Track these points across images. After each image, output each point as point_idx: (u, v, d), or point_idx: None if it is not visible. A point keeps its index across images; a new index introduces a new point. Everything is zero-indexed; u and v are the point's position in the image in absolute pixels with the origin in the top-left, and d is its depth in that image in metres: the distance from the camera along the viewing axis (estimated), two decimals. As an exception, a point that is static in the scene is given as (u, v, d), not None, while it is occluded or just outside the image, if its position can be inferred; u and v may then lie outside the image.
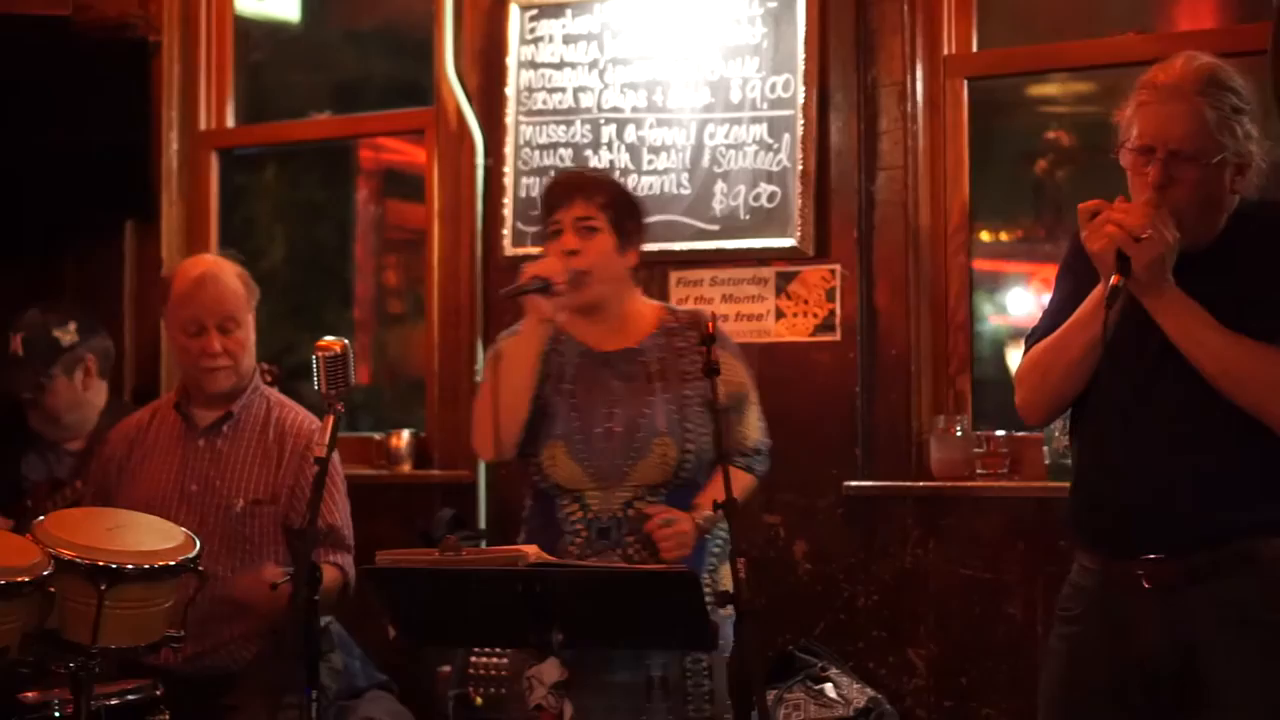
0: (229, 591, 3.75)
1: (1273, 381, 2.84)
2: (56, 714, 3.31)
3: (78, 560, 3.16)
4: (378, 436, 5.21)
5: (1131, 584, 2.92)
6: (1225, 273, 2.91)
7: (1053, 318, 3.09)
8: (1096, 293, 2.92)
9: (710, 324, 3.15)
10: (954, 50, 4.59)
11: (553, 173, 4.85)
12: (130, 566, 3.21)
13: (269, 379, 4.17)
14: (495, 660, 4.37)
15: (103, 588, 3.14)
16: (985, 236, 4.83)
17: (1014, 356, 4.57)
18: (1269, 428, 2.85)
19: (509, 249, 4.92)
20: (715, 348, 3.14)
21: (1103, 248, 2.85)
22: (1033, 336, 3.13)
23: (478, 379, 5.01)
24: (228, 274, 4.02)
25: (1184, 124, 2.86)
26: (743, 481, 3.45)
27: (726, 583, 3.37)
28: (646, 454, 3.34)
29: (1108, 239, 2.84)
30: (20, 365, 4.52)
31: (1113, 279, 2.83)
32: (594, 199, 3.40)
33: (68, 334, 4.57)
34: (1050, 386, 3.03)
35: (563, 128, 4.88)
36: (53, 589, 3.13)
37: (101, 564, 3.17)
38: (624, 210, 3.44)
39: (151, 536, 3.39)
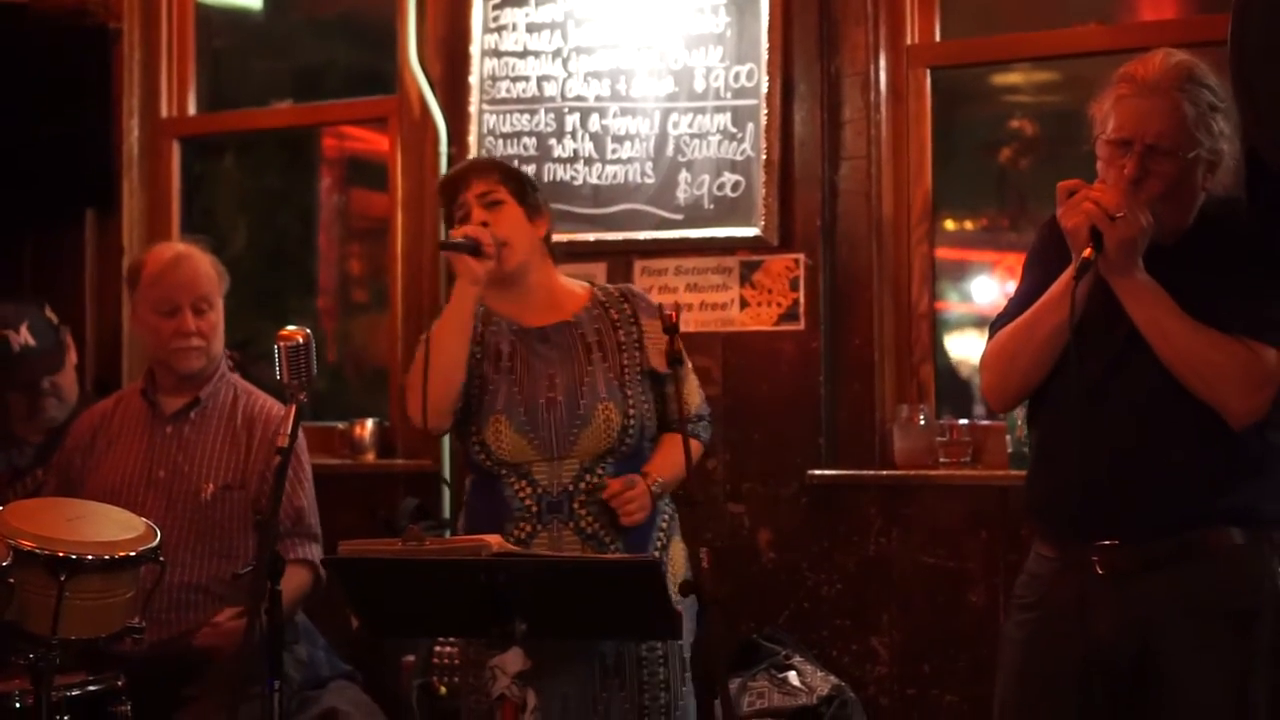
0: (198, 578, 3.77)
1: (1231, 372, 2.87)
2: (17, 705, 3.28)
3: (37, 551, 3.14)
4: (341, 426, 5.20)
5: (1086, 570, 2.94)
6: (1192, 267, 2.93)
7: (1019, 305, 3.10)
8: (1065, 275, 2.94)
9: (674, 313, 3.13)
10: (917, 40, 4.60)
11: (516, 162, 4.83)
12: (90, 557, 3.19)
13: (231, 364, 4.16)
14: (459, 650, 4.36)
15: (63, 578, 3.13)
16: (949, 225, 4.84)
17: (978, 345, 4.59)
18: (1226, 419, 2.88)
19: (472, 238, 4.90)
20: (674, 335, 3.11)
21: (1077, 224, 2.87)
22: (998, 322, 3.14)
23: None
24: (200, 257, 4.05)
25: (1163, 119, 2.88)
26: (693, 449, 3.44)
27: (678, 563, 3.40)
28: (590, 421, 3.34)
29: (1084, 215, 2.86)
30: (35, 353, 4.45)
31: (1084, 252, 2.85)
32: (489, 175, 3.46)
33: (53, 315, 4.56)
34: (1017, 370, 3.05)
35: (526, 116, 4.87)
36: (12, 580, 3.11)
37: (61, 555, 3.15)
38: (521, 182, 3.49)
39: (112, 527, 3.37)
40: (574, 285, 3.56)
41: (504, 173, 3.49)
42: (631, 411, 3.39)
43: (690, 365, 3.55)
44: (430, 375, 3.35)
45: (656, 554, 3.37)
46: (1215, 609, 2.89)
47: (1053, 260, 3.04)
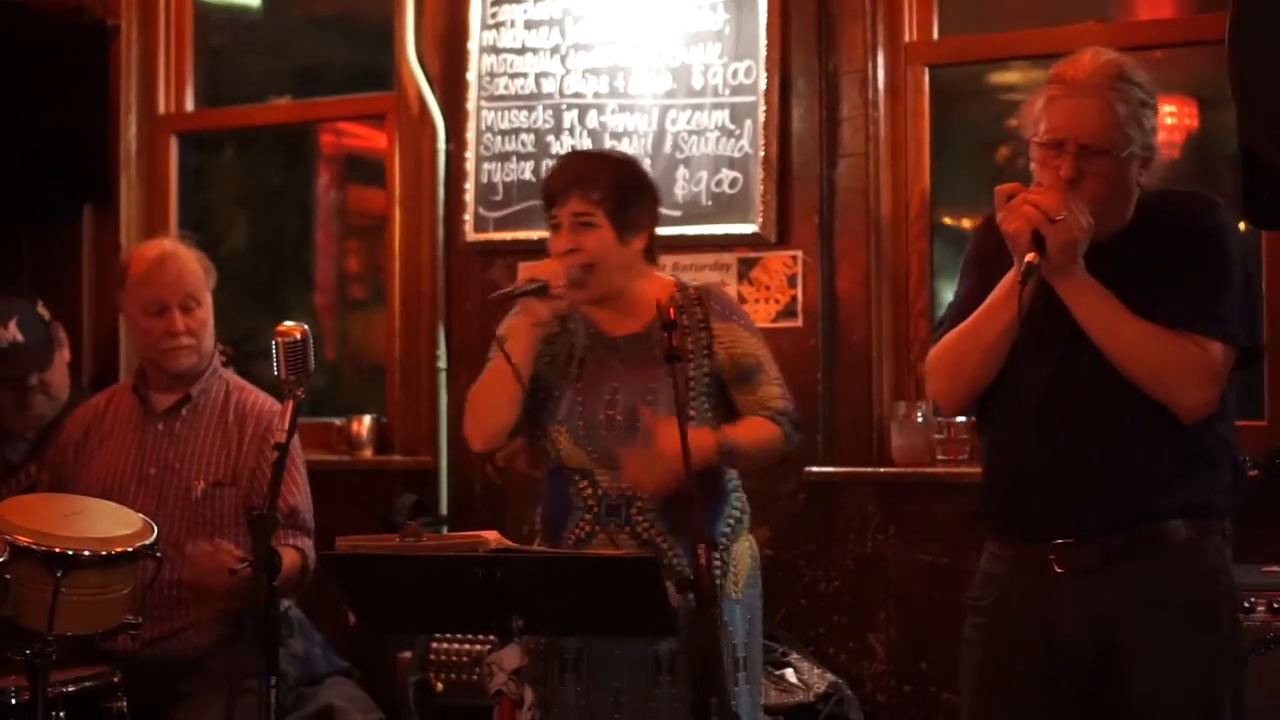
0: (185, 574, 3.75)
1: (1178, 368, 2.89)
2: (13, 701, 3.28)
3: (33, 547, 3.15)
4: (339, 422, 5.20)
5: (1043, 568, 2.95)
6: (1131, 262, 2.94)
7: (960, 309, 3.11)
8: (1008, 278, 2.95)
9: (671, 309, 3.10)
10: (915, 38, 4.60)
11: (515, 159, 4.85)
12: (87, 553, 3.19)
13: (224, 359, 4.15)
14: (456, 646, 4.37)
15: (59, 574, 3.13)
16: (946, 223, 4.85)
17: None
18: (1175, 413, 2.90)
19: (470, 235, 4.91)
20: (676, 334, 3.08)
21: (1018, 228, 2.87)
22: (941, 327, 3.15)
23: (439, 365, 5.01)
24: (186, 254, 4.02)
25: (1096, 118, 2.89)
26: (766, 430, 3.33)
27: (741, 562, 3.35)
28: (649, 441, 3.26)
29: (1024, 219, 2.86)
30: (24, 349, 4.45)
31: (1028, 257, 2.85)
32: (591, 194, 3.28)
33: (45, 310, 4.55)
34: (964, 374, 3.05)
35: (524, 113, 4.87)
36: (8, 576, 3.12)
37: (58, 550, 3.16)
38: (626, 198, 3.33)
39: (108, 523, 3.38)
40: (655, 285, 3.42)
41: (607, 188, 3.30)
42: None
43: (772, 368, 3.39)
44: (485, 409, 3.34)
45: (719, 552, 3.31)
46: (1174, 602, 2.91)
47: (991, 262, 3.05)
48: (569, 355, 3.40)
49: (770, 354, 3.41)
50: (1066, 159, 2.89)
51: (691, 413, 3.25)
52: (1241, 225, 3.29)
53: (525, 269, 3.34)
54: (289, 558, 3.79)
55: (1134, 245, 2.96)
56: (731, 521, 3.41)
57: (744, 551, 3.40)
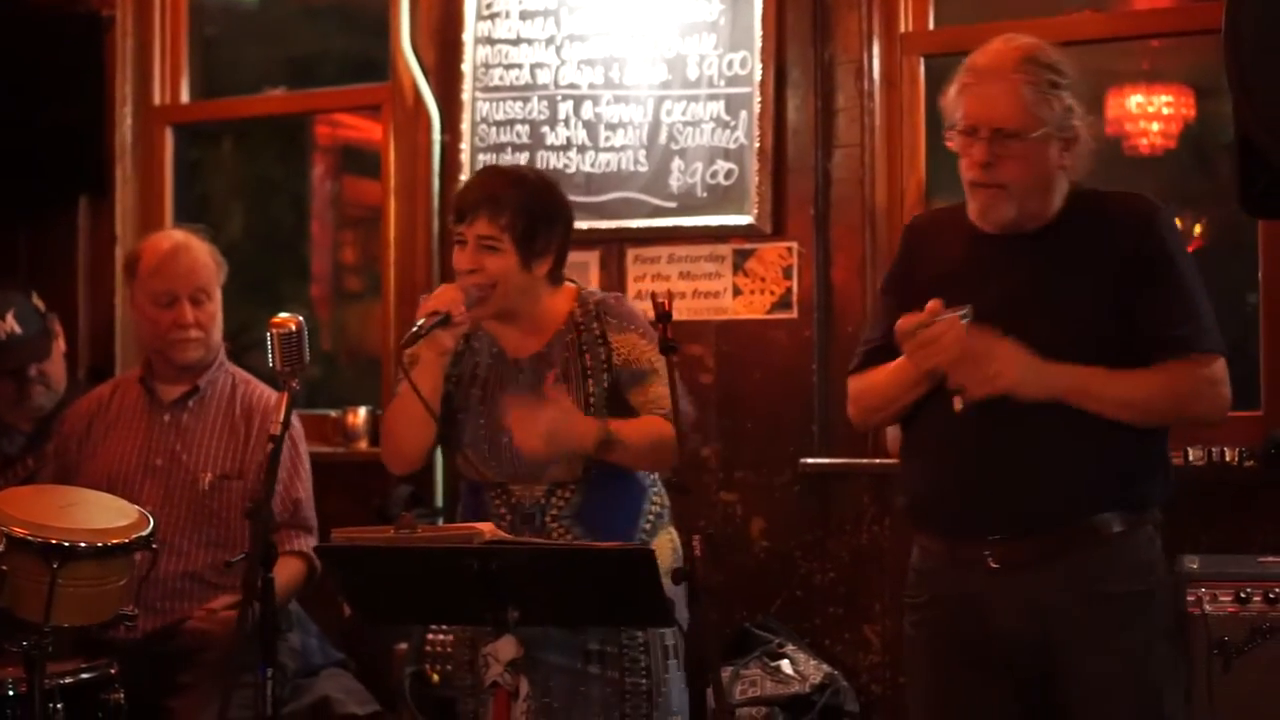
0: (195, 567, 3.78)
1: (1195, 396, 2.94)
2: (10, 693, 3.28)
3: (30, 538, 3.15)
4: (334, 413, 5.19)
5: (978, 564, 2.96)
6: (1067, 258, 2.96)
7: (878, 336, 3.14)
8: (910, 374, 2.99)
9: (666, 301, 3.06)
10: (911, 28, 4.59)
11: (510, 150, 4.84)
12: (83, 544, 3.19)
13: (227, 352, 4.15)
14: (452, 638, 4.37)
15: (55, 566, 3.13)
16: (942, 214, 4.84)
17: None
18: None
19: (466, 226, 4.90)
20: (666, 323, 3.07)
21: (933, 368, 2.92)
22: (860, 362, 3.19)
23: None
24: (199, 247, 4.04)
25: (1003, 102, 2.92)
26: (656, 426, 3.28)
27: (663, 554, 3.32)
28: (555, 463, 3.29)
29: (931, 363, 2.91)
30: (22, 340, 4.44)
31: (955, 405, 2.91)
32: (499, 218, 3.26)
33: (39, 302, 4.55)
34: (882, 417, 3.19)
35: (519, 104, 4.86)
36: (4, 567, 3.11)
37: (54, 542, 3.15)
38: (534, 224, 3.30)
39: (105, 514, 3.37)
40: (558, 300, 3.41)
41: (516, 213, 3.28)
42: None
43: (663, 374, 3.23)
44: (398, 435, 3.39)
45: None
46: (1110, 593, 2.93)
47: (905, 291, 3.09)
48: (472, 375, 3.42)
49: (664, 361, 3.22)
50: (980, 144, 2.93)
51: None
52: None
53: (423, 303, 3.31)
54: (293, 569, 3.80)
55: (1068, 239, 2.98)
56: (651, 517, 3.43)
57: (665, 546, 3.38)
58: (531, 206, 3.31)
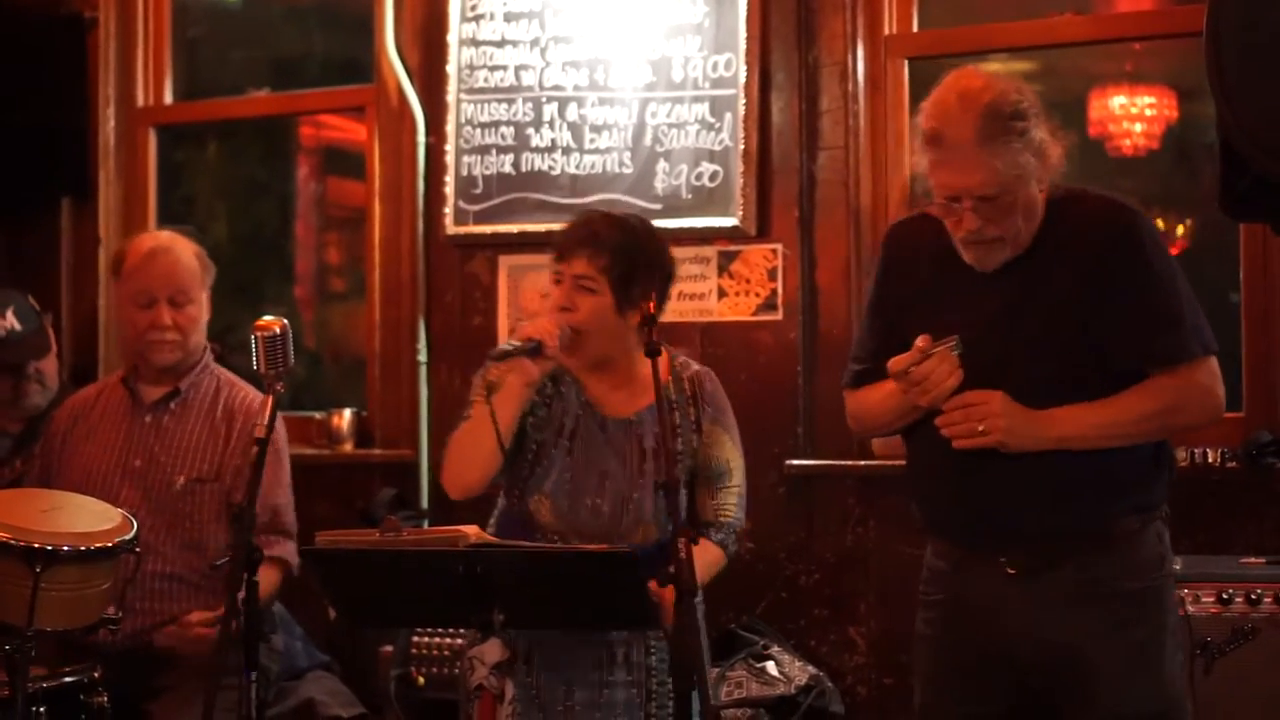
0: (174, 569, 3.77)
1: (1188, 408, 2.95)
2: (-8, 696, 3.28)
3: (12, 542, 3.14)
4: (319, 416, 5.19)
5: (994, 570, 2.97)
6: (1047, 266, 2.94)
7: (866, 361, 3.14)
8: (900, 402, 3.00)
9: (651, 304, 3.08)
10: (895, 30, 4.60)
11: (494, 152, 4.84)
12: (66, 548, 3.18)
13: (214, 356, 4.14)
14: (437, 640, 4.37)
15: (38, 569, 3.12)
16: (927, 216, 4.84)
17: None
18: None
19: (450, 227, 4.90)
20: (651, 327, 3.08)
21: (930, 404, 2.93)
22: (850, 383, 3.19)
23: (420, 358, 5.00)
24: (182, 249, 4.01)
25: (979, 174, 2.86)
26: (712, 555, 3.35)
27: None
28: (627, 536, 3.28)
29: (930, 400, 2.92)
30: (22, 337, 4.44)
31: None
32: (598, 259, 3.24)
33: (35, 304, 4.55)
34: (883, 433, 3.25)
35: (504, 106, 4.86)
36: (-13, 571, 3.11)
37: (36, 545, 3.14)
38: (632, 266, 3.27)
39: (88, 518, 3.37)
40: (649, 369, 3.18)
41: (616, 254, 3.26)
42: (670, 528, 3.34)
43: (740, 480, 3.40)
44: (465, 460, 3.29)
45: None
46: (1122, 590, 2.95)
47: (891, 308, 3.09)
48: (560, 424, 3.35)
49: (742, 460, 3.40)
50: (966, 215, 2.90)
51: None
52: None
53: (521, 328, 3.28)
54: (269, 577, 3.77)
55: (1048, 248, 2.96)
56: None
57: None
58: (632, 252, 3.29)
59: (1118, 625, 2.93)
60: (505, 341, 3.25)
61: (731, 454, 3.39)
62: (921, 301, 3.02)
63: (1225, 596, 3.61)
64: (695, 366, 3.45)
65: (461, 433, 3.31)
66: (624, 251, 3.27)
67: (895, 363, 2.92)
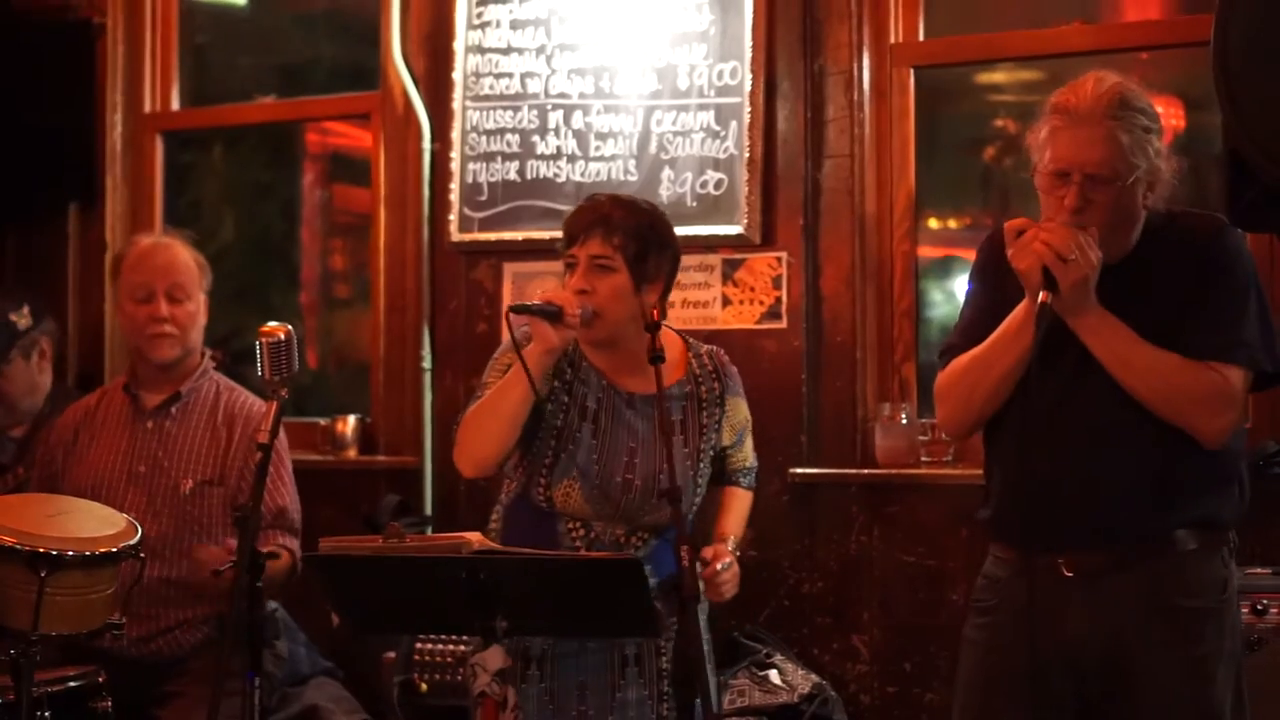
0: (184, 572, 3.76)
1: (1197, 397, 2.91)
2: (-2, 701, 3.28)
3: (18, 547, 3.15)
4: (323, 421, 5.19)
5: (1052, 572, 2.97)
6: (1141, 286, 2.96)
7: (966, 333, 3.12)
8: (1020, 311, 2.96)
9: (655, 311, 3.13)
10: (900, 39, 4.60)
11: (500, 159, 4.85)
12: (71, 553, 3.19)
13: (214, 364, 4.15)
14: (440, 647, 4.37)
15: (43, 574, 3.13)
16: (933, 224, 4.85)
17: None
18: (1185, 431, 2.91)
19: (455, 234, 4.90)
20: (654, 334, 3.12)
21: (1030, 266, 2.89)
22: (948, 352, 3.15)
23: (424, 365, 5.00)
24: (179, 247, 4.07)
25: (1099, 148, 2.88)
26: (747, 501, 3.56)
27: None
28: (659, 510, 3.29)
29: (1035, 257, 2.87)
30: (35, 331, 4.47)
31: (1041, 296, 2.87)
32: (613, 237, 3.26)
33: (23, 318, 4.54)
34: (976, 403, 3.07)
35: (510, 113, 4.87)
36: (-8, 576, 3.11)
37: (42, 550, 3.16)
38: (646, 245, 3.29)
39: (93, 523, 3.38)
40: (670, 348, 3.33)
41: (628, 234, 3.28)
42: (697, 500, 3.41)
43: (751, 426, 3.55)
44: (484, 432, 3.27)
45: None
46: (1180, 606, 2.94)
47: (994, 282, 3.07)
48: (584, 405, 3.35)
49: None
50: (1072, 189, 2.90)
51: (700, 481, 3.42)
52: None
53: (542, 292, 3.28)
54: (272, 565, 3.77)
55: (1142, 268, 2.97)
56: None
57: None
58: (644, 229, 3.32)
59: (1169, 641, 2.92)
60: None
61: (747, 412, 3.53)
62: (1015, 307, 3.00)
63: (1229, 607, 3.60)
64: (708, 347, 3.53)
65: (477, 407, 3.31)
66: (636, 229, 3.30)
67: (1013, 223, 2.93)
